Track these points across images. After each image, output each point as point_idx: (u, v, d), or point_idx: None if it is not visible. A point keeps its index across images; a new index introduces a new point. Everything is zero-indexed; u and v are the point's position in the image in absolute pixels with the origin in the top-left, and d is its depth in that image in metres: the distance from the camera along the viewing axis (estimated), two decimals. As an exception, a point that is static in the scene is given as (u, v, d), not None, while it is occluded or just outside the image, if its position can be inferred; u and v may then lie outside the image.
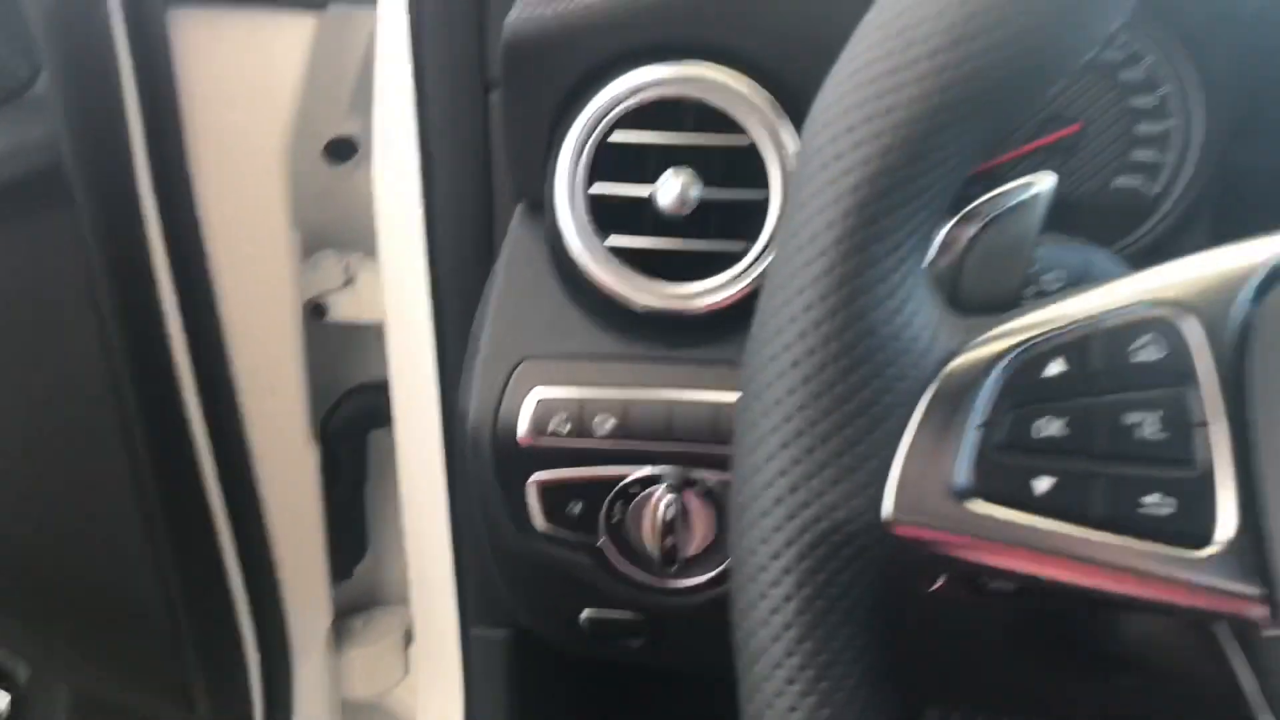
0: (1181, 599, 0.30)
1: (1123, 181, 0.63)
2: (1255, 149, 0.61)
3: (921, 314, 0.31)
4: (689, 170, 0.54)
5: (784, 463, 0.31)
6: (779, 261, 0.31)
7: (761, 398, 0.31)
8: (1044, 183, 0.37)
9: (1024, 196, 0.37)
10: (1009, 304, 0.35)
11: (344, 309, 0.96)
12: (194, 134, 0.83)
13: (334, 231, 0.97)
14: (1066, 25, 0.29)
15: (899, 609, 0.33)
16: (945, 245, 0.36)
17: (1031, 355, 0.31)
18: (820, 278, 0.30)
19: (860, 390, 0.30)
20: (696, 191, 0.53)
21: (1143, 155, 0.62)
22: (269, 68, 0.83)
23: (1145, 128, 0.62)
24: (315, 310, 0.95)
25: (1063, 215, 0.63)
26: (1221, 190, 0.61)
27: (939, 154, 0.29)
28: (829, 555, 0.31)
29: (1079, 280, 0.40)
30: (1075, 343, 0.31)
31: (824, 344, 0.30)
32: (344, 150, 0.93)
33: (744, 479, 0.32)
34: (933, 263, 0.36)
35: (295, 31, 0.82)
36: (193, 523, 0.88)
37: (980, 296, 0.35)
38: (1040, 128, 0.63)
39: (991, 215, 0.36)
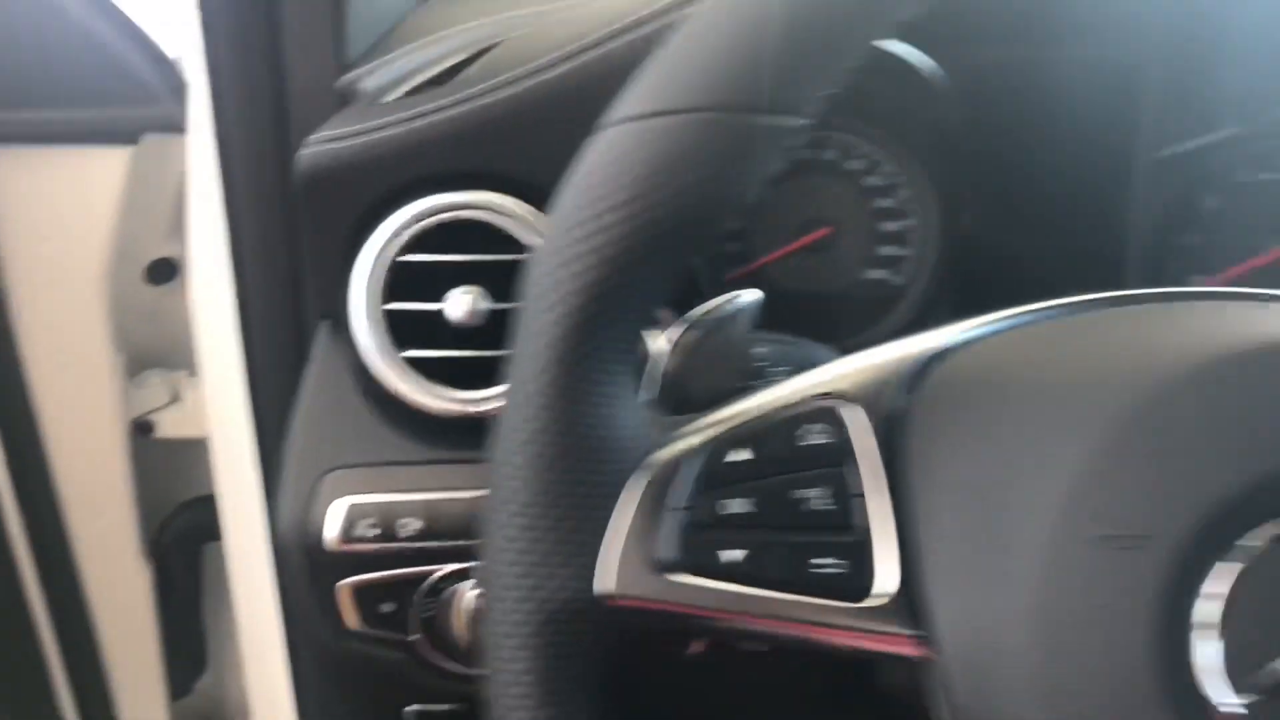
0: (854, 642, 0.35)
1: (873, 274, 0.70)
2: (984, 239, 0.69)
3: (630, 416, 0.37)
4: (477, 286, 0.59)
5: (515, 553, 0.35)
6: (510, 382, 0.36)
7: (497, 497, 0.36)
8: (750, 296, 0.43)
9: (733, 309, 0.43)
10: (732, 398, 0.41)
11: (171, 426, 0.97)
12: (11, 265, 0.85)
13: (159, 350, 0.99)
14: (725, 180, 0.35)
15: (632, 675, 0.37)
16: (673, 351, 0.42)
17: (720, 445, 0.36)
18: (540, 394, 0.35)
19: (577, 486, 0.35)
20: (484, 304, 0.58)
21: (888, 250, 0.70)
22: (85, 199, 0.85)
23: (888, 226, 0.70)
24: (142, 428, 0.97)
25: (824, 306, 0.71)
26: (960, 276, 0.69)
27: (630, 288, 0.35)
28: (559, 631, 0.35)
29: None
30: (756, 433, 0.36)
31: (545, 449, 0.35)
32: (165, 271, 0.96)
33: (486, 568, 0.36)
34: (665, 367, 0.42)
35: (110, 164, 0.85)
36: (20, 647, 0.88)
37: (706, 393, 0.41)
38: (798, 230, 0.70)
39: (708, 325, 0.42)
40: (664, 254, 0.35)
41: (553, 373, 0.35)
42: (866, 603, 0.35)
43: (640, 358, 0.43)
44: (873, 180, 0.70)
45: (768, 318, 0.70)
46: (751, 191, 0.37)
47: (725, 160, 0.35)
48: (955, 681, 0.35)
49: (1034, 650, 0.33)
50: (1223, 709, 0.32)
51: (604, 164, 0.35)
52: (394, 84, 0.65)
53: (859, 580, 0.35)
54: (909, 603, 0.35)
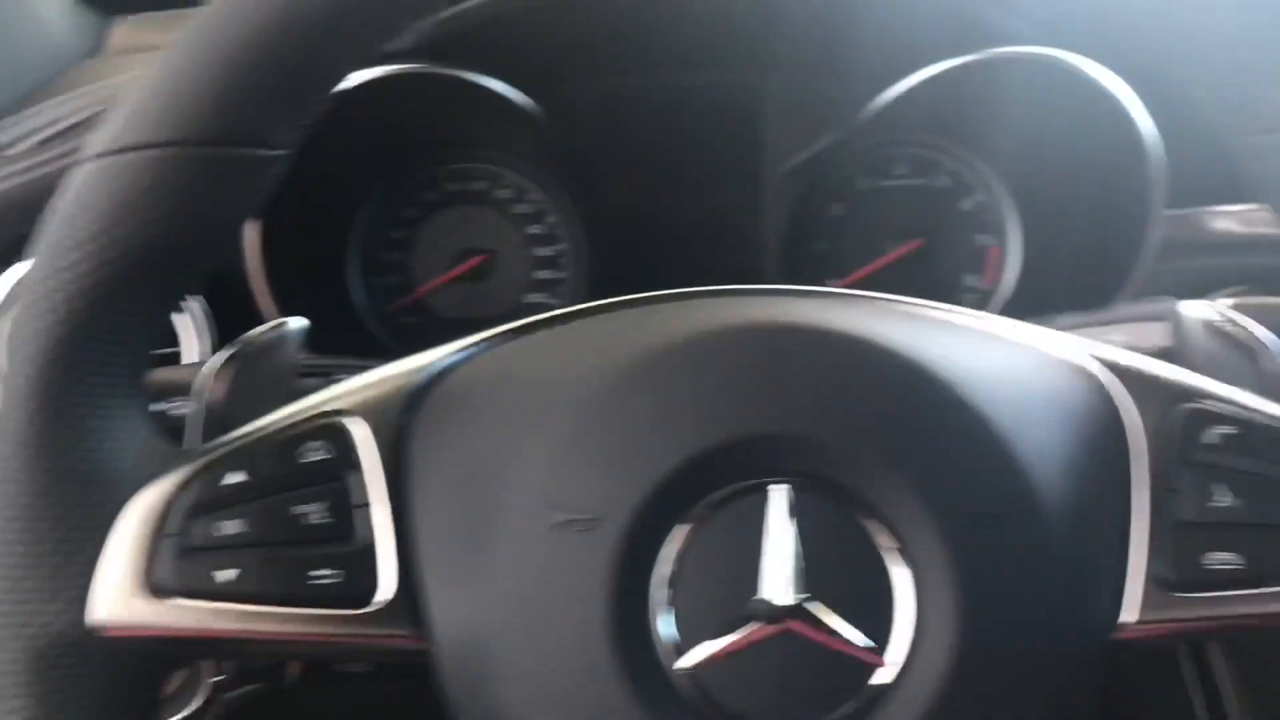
0: (356, 645, 0.36)
1: (531, 298, 0.72)
2: (632, 259, 0.72)
3: (126, 448, 0.37)
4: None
5: (2, 592, 0.35)
6: None
7: None
8: (294, 323, 0.44)
9: (273, 336, 0.44)
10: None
11: None
12: None
13: None
14: (194, 214, 0.35)
15: (148, 703, 0.38)
16: (214, 381, 0.43)
17: (217, 469, 0.37)
18: (14, 434, 0.35)
19: (61, 521, 0.35)
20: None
21: (544, 274, 0.72)
22: None
23: (541, 251, 0.72)
24: None
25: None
26: (612, 294, 0.72)
27: (104, 326, 0.35)
28: (51, 665, 0.35)
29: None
30: (255, 454, 0.37)
31: (22, 488, 0.35)
32: None
33: None
34: (207, 397, 0.43)
35: None
36: None
37: (250, 420, 0.41)
38: (456, 259, 0.72)
39: (248, 353, 0.43)
40: (137, 290, 0.36)
41: (23, 414, 0.35)
42: (368, 609, 0.36)
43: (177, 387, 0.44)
44: (522, 207, 0.72)
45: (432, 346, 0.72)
46: (229, 223, 0.38)
47: (191, 194, 0.35)
48: (452, 674, 0.36)
49: (510, 638, 0.35)
50: (676, 672, 0.34)
51: (72, 203, 0.36)
52: (22, 138, 0.65)
53: (360, 588, 0.36)
54: (409, 605, 0.36)
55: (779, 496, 0.34)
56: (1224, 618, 0.35)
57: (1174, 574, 0.35)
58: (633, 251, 0.72)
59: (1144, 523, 0.36)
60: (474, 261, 0.72)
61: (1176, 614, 0.35)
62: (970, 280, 0.72)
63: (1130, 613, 0.35)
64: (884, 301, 0.39)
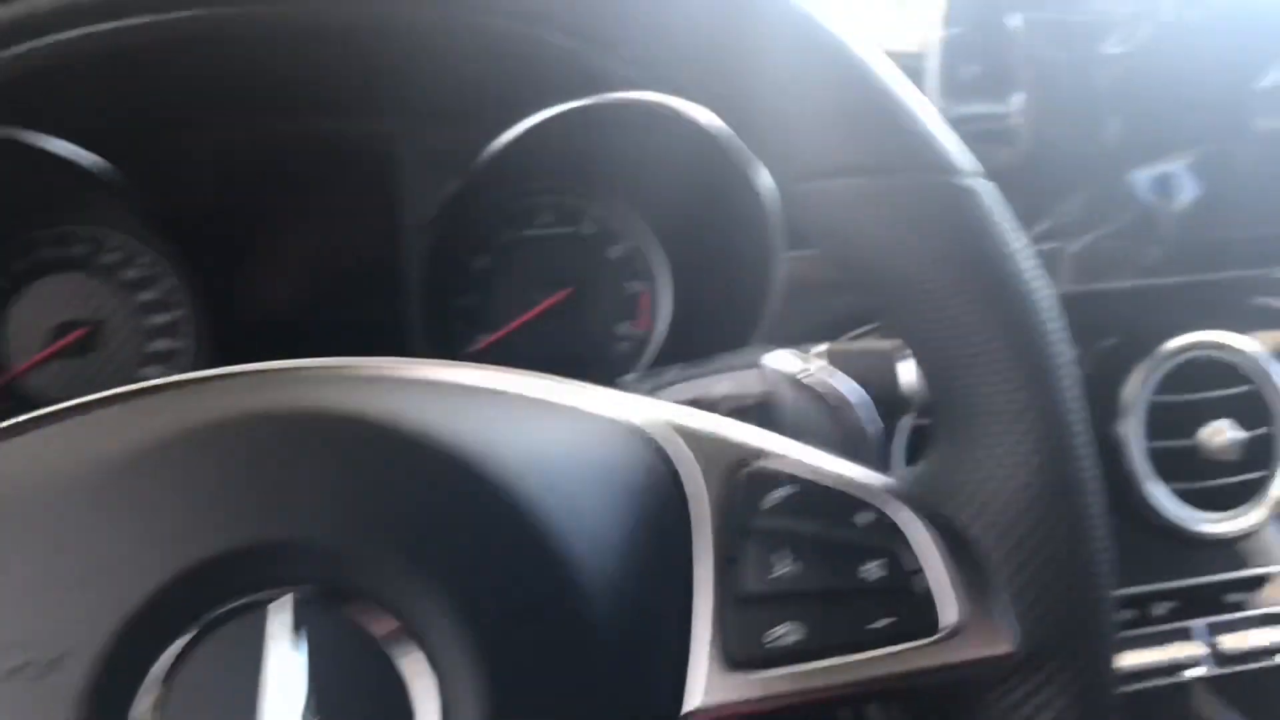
0: None
1: (148, 371, 0.65)
2: (266, 321, 0.67)
3: None
4: None
5: None
6: None
7: None
8: None
9: None
10: None
11: None
12: None
13: None
14: None
15: None
16: None
17: None
18: None
19: None
20: None
21: (160, 345, 0.66)
22: None
23: (156, 319, 0.65)
24: None
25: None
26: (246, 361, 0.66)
27: None
28: None
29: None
30: None
31: None
32: None
33: None
34: None
35: None
36: None
37: None
38: (54, 335, 0.64)
39: None
40: None
41: None
42: None
43: None
44: (131, 273, 0.65)
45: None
46: None
47: None
48: None
49: None
50: None
51: None
52: None
53: None
54: None
55: (280, 612, 0.30)
56: (791, 694, 0.33)
57: (739, 652, 0.33)
58: (262, 316, 0.66)
59: (707, 599, 0.33)
60: (75, 335, 0.64)
61: (745, 695, 0.33)
62: (623, 328, 0.71)
63: (695, 698, 0.33)
64: (404, 371, 0.35)
